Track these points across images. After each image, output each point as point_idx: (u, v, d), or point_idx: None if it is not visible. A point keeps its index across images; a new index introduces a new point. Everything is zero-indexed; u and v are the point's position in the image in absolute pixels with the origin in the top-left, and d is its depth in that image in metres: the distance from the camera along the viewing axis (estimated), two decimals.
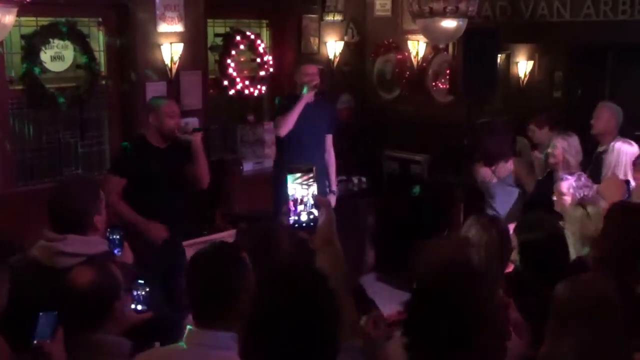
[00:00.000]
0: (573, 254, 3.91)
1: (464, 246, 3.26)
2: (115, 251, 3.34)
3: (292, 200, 2.29)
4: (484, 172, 6.22)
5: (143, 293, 3.06)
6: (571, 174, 5.00)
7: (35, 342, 2.64)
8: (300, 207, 2.29)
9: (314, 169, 2.33)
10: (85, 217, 3.30)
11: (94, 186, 3.54)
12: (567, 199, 4.80)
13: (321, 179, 6.20)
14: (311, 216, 2.30)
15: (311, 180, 2.30)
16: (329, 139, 6.37)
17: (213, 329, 2.41)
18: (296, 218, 2.29)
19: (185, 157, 5.17)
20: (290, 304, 1.83)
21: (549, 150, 5.65)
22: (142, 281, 3.09)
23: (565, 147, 5.51)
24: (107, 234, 3.37)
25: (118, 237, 3.38)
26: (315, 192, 2.31)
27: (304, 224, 2.30)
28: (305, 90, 5.97)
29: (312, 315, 1.83)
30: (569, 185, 4.86)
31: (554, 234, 3.61)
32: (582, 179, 4.89)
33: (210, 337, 2.40)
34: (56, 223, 3.26)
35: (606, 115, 5.94)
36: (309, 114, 6.01)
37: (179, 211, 5.24)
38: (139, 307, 3.05)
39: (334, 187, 6.46)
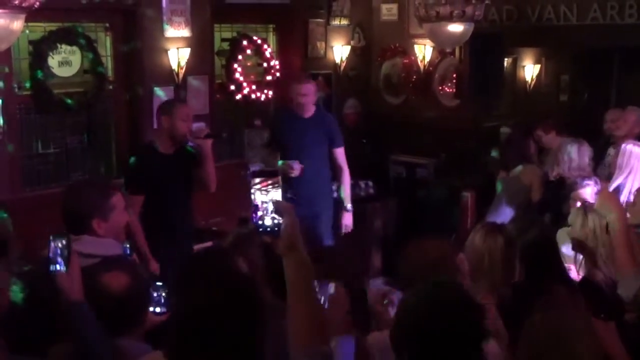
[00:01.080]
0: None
1: (449, 249, 3.22)
2: None
3: (253, 206, 2.29)
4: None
5: (163, 295, 3.04)
6: (588, 178, 5.00)
7: (51, 270, 2.61)
8: (259, 213, 2.29)
9: (277, 172, 2.35)
10: (82, 220, 3.31)
11: (101, 190, 3.53)
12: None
13: (327, 192, 6.14)
14: (275, 221, 2.28)
15: (273, 186, 2.31)
16: (339, 153, 6.07)
17: None
18: (260, 223, 2.29)
19: (193, 162, 5.18)
20: (216, 306, 1.89)
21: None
22: (160, 283, 3.08)
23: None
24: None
25: (127, 248, 3.39)
26: (278, 198, 2.31)
27: (268, 229, 2.30)
28: (280, 162, 5.81)
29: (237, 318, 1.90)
30: (592, 192, 4.86)
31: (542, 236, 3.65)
32: (599, 183, 4.89)
33: None
34: (64, 224, 3.28)
35: (632, 118, 5.95)
36: (306, 129, 5.86)
37: (190, 216, 5.26)
38: (158, 310, 3.03)
39: (349, 205, 6.16)
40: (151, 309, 3.01)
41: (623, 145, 5.54)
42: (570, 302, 3.19)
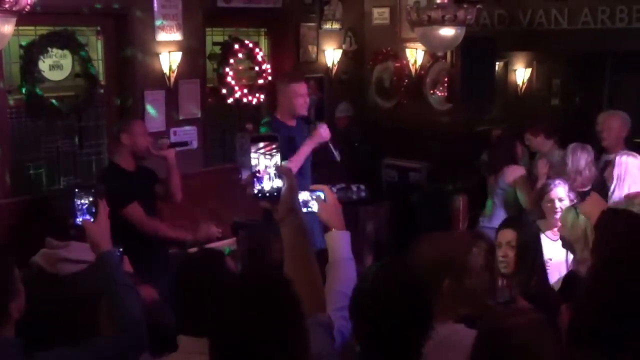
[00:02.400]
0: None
1: (465, 242, 3.21)
2: None
3: (256, 171, 2.26)
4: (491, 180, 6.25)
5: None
6: (558, 178, 5.07)
7: (78, 221, 2.60)
8: (265, 178, 2.26)
9: (278, 137, 2.31)
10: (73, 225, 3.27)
11: (92, 193, 3.49)
12: (567, 203, 4.84)
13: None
14: (275, 186, 2.27)
15: (274, 150, 2.26)
16: None
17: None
18: (260, 188, 2.27)
19: (155, 176, 5.32)
20: (257, 314, 1.82)
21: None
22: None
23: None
24: None
25: (118, 251, 3.35)
26: (279, 162, 2.28)
27: (267, 194, 2.28)
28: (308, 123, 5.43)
29: (277, 323, 1.83)
30: (565, 190, 4.91)
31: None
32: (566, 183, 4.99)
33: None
34: (52, 230, 3.26)
35: (616, 124, 5.92)
36: (297, 135, 5.42)
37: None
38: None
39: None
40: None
41: (618, 158, 5.52)
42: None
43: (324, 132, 5.33)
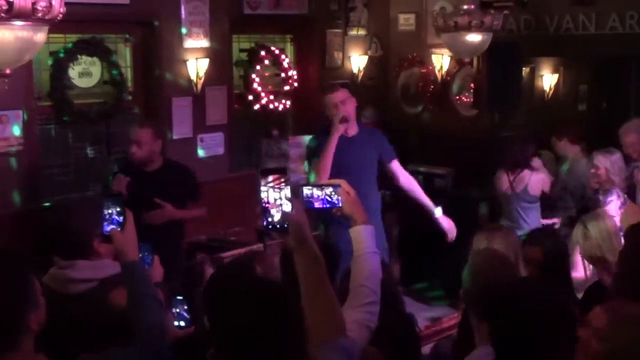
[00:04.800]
0: None
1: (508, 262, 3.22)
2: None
3: (264, 204, 2.31)
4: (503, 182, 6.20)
5: (184, 308, 3.06)
6: (610, 192, 4.98)
7: (107, 230, 2.62)
8: (272, 211, 2.32)
9: (287, 170, 2.36)
10: (81, 242, 3.03)
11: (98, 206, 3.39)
12: (617, 219, 4.72)
13: (375, 214, 5.35)
14: (284, 218, 2.32)
15: (283, 183, 2.32)
16: (395, 164, 5.58)
17: None
18: (270, 220, 2.32)
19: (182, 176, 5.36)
20: (257, 320, 1.89)
21: (592, 170, 5.55)
22: (180, 297, 3.09)
23: (607, 166, 5.40)
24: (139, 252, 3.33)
25: (148, 255, 3.35)
26: (288, 195, 2.33)
27: (277, 226, 2.33)
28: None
29: (278, 330, 1.89)
30: (616, 207, 4.84)
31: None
32: (621, 196, 4.88)
33: None
34: (56, 250, 3.09)
35: (630, 139, 5.85)
36: (349, 148, 5.23)
37: (177, 230, 5.37)
38: (182, 324, 3.05)
39: (437, 210, 5.70)
40: (175, 323, 3.03)
41: None
42: None
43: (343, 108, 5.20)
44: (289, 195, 2.33)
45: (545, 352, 2.32)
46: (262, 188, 2.31)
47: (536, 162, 6.26)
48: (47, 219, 3.16)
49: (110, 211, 2.65)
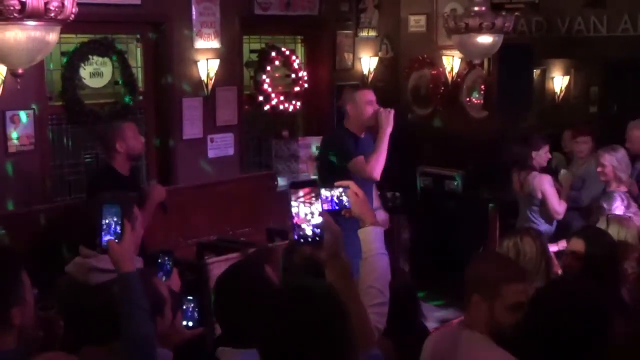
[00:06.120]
0: None
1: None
2: (159, 274, 3.24)
3: (296, 218, 2.35)
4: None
5: (194, 308, 3.07)
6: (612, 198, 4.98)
7: (104, 243, 2.64)
8: (304, 225, 2.35)
9: (317, 183, 2.39)
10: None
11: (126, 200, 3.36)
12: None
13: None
14: (316, 231, 2.35)
15: (314, 198, 2.36)
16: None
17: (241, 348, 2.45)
18: (301, 234, 2.36)
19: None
20: (306, 324, 1.86)
21: (599, 169, 5.54)
22: (190, 297, 3.10)
23: (614, 163, 5.39)
24: (159, 258, 3.34)
25: (168, 262, 3.35)
26: (320, 209, 2.37)
27: (309, 239, 2.36)
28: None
29: (327, 334, 1.86)
30: (622, 211, 4.84)
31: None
32: (625, 199, 4.86)
33: (243, 356, 2.42)
34: (82, 240, 3.18)
35: (637, 133, 5.87)
36: (359, 148, 5.28)
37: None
38: (190, 324, 3.06)
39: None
40: (184, 322, 3.04)
41: None
42: None
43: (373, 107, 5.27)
44: (319, 209, 2.36)
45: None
46: (293, 203, 2.35)
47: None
48: (79, 210, 3.23)
49: (107, 221, 2.66)
